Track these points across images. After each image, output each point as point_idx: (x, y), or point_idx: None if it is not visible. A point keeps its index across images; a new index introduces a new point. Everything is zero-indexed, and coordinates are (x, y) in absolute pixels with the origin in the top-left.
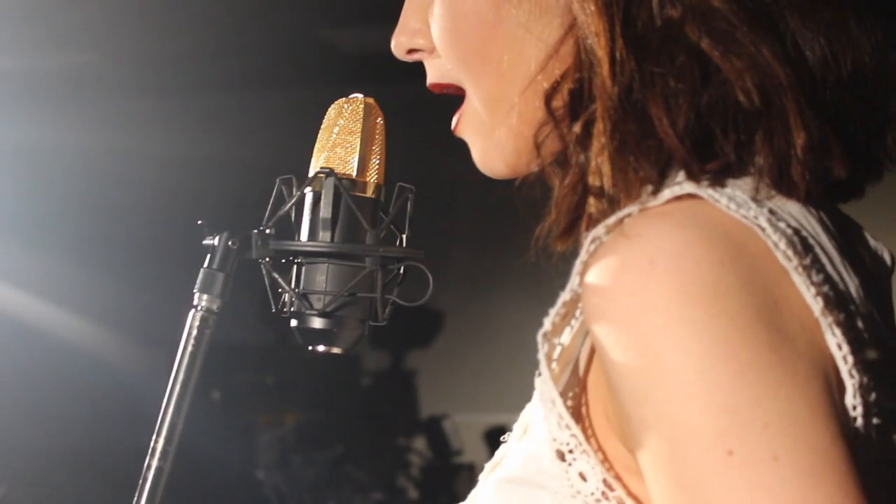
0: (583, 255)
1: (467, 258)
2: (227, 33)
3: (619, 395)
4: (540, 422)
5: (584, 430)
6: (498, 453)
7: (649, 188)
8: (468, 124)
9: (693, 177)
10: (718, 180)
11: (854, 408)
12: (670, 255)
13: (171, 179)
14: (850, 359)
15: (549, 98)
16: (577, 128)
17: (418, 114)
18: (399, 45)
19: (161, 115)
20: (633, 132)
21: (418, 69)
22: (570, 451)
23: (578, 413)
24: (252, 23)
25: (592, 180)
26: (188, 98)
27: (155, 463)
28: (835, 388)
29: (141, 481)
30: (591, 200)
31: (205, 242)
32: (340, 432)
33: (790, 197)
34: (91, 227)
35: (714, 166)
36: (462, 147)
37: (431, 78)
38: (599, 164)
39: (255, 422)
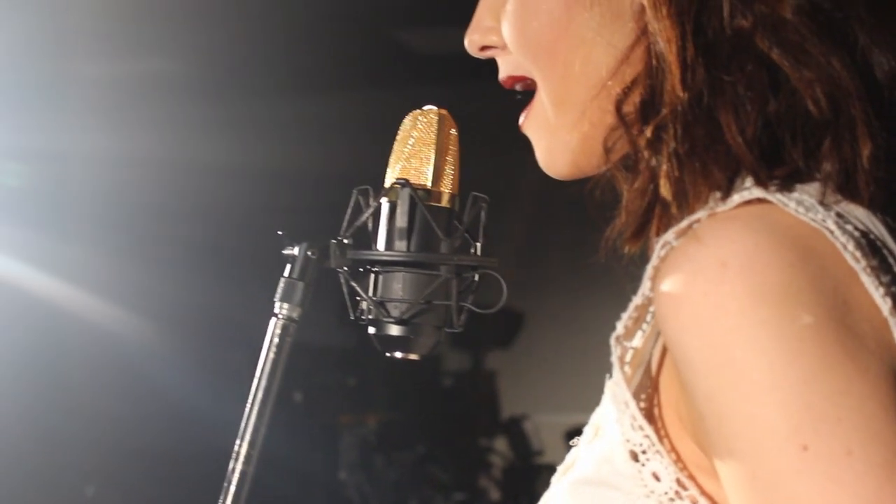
0: (654, 261)
1: (547, 261)
2: (302, 38)
3: (693, 395)
4: (612, 423)
5: (656, 431)
6: (569, 457)
7: (718, 194)
8: (534, 121)
9: (761, 182)
10: (786, 185)
11: None
12: (742, 257)
13: (252, 186)
14: None
15: (619, 103)
16: (647, 132)
17: (495, 117)
18: (472, 42)
19: (240, 120)
20: (703, 138)
21: (493, 74)
22: (644, 452)
23: (651, 414)
24: (325, 27)
25: (662, 185)
26: (264, 103)
27: (239, 467)
28: None
29: (225, 484)
30: (661, 204)
31: (285, 252)
32: (422, 433)
33: (854, 203)
34: (173, 233)
35: (781, 172)
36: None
37: (503, 73)
38: (669, 170)
39: (337, 423)
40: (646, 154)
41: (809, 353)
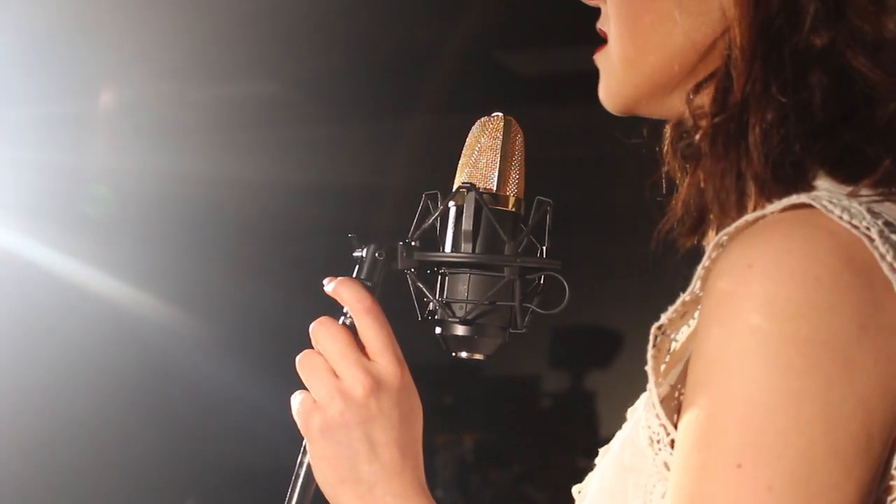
0: (705, 261)
1: (645, 280)
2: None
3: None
4: (643, 409)
5: (675, 423)
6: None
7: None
8: (603, 53)
9: (831, 177)
10: (842, 188)
11: None
12: (767, 262)
13: (332, 200)
14: None
15: (689, 96)
16: (712, 125)
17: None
18: None
19: (331, 141)
20: (775, 137)
21: (567, 92)
22: (658, 441)
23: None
24: (408, 47)
25: (720, 183)
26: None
27: (307, 460)
28: None
29: (293, 477)
30: (718, 203)
31: (354, 254)
32: (519, 452)
33: None
34: (250, 241)
35: (851, 172)
36: (624, 162)
37: (601, 22)
38: (729, 166)
39: (433, 441)
40: (707, 149)
41: (787, 380)
